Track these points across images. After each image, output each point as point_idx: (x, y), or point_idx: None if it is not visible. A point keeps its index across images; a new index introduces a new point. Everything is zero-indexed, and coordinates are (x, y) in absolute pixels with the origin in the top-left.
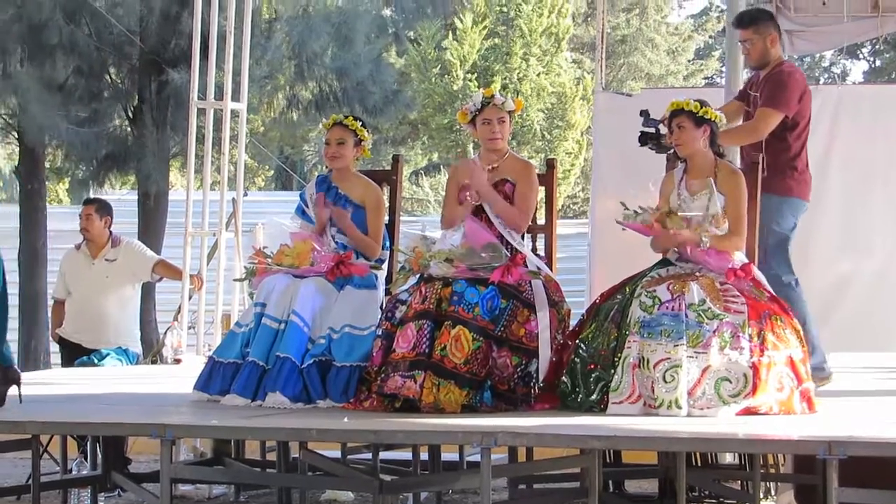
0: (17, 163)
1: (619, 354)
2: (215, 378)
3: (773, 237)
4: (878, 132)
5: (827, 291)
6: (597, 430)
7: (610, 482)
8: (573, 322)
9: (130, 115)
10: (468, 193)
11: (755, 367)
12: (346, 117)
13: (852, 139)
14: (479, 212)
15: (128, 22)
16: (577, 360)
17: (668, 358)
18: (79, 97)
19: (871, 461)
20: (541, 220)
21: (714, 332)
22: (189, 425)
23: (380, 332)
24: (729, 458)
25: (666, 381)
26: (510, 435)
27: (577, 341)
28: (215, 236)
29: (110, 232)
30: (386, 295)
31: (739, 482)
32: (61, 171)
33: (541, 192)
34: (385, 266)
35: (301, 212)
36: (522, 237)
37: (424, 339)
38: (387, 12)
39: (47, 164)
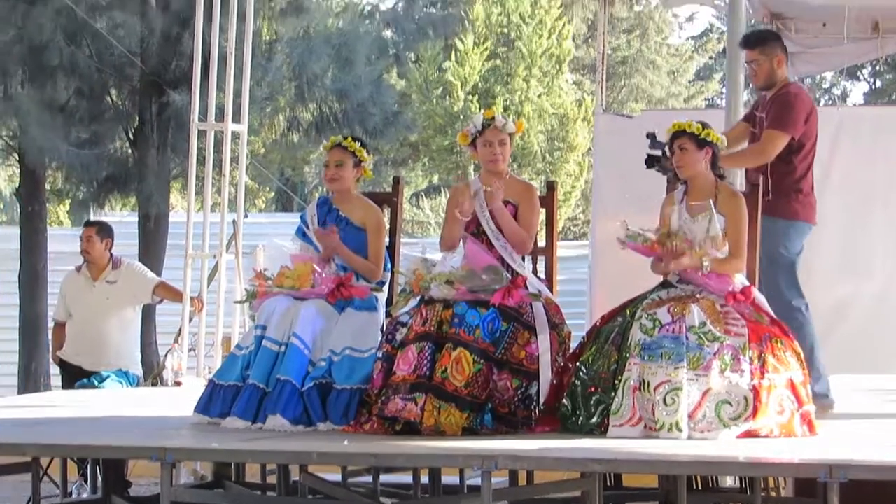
0: (17, 184)
1: (619, 377)
2: (216, 401)
3: (782, 261)
4: (878, 154)
5: (827, 313)
6: (597, 453)
7: None
8: (574, 344)
9: (131, 136)
10: (458, 210)
11: (756, 390)
12: (346, 139)
13: (852, 161)
14: (479, 234)
15: (129, 43)
16: (577, 382)
17: (669, 381)
18: (79, 119)
19: (872, 484)
20: (541, 243)
21: (715, 354)
22: (189, 448)
23: (380, 355)
24: (730, 481)
25: (666, 404)
26: (511, 458)
27: (578, 364)
28: (216, 258)
29: (111, 254)
30: (386, 317)
31: None
32: (62, 192)
33: (541, 214)
34: (386, 288)
35: (302, 234)
36: (523, 259)
37: (425, 362)
38: (387, 34)
39: (48, 186)
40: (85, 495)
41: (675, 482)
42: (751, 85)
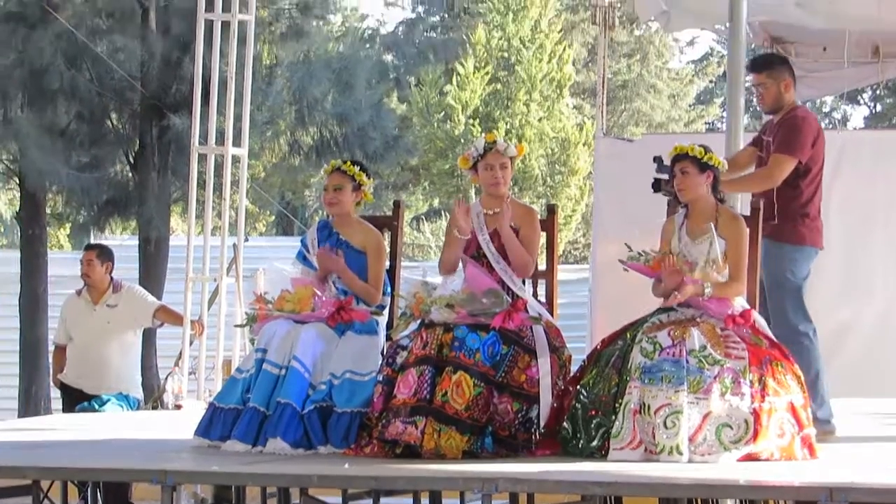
0: (18, 208)
1: (620, 400)
2: (216, 424)
3: (789, 286)
4: (878, 178)
5: (828, 336)
6: (598, 476)
7: None
8: (574, 368)
9: (131, 160)
10: (456, 229)
11: (756, 413)
12: (345, 163)
13: (853, 185)
14: (479, 257)
15: (129, 67)
16: (578, 405)
17: (669, 404)
18: (80, 142)
19: None
20: (542, 266)
21: (715, 377)
22: (190, 471)
23: (381, 378)
24: None
25: (667, 427)
26: (511, 481)
27: (578, 387)
28: (216, 282)
29: (111, 277)
30: (387, 340)
31: None
32: (62, 216)
33: (542, 238)
34: (386, 312)
35: (302, 257)
36: (523, 282)
37: (425, 385)
38: (388, 58)
39: (48, 210)
40: None
41: None
42: (751, 109)
